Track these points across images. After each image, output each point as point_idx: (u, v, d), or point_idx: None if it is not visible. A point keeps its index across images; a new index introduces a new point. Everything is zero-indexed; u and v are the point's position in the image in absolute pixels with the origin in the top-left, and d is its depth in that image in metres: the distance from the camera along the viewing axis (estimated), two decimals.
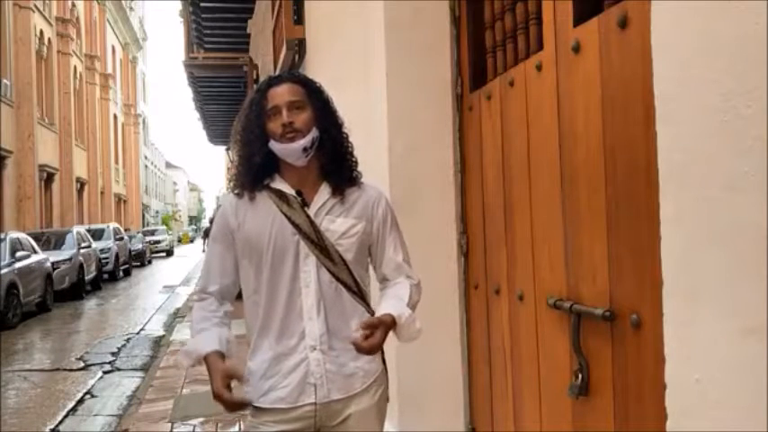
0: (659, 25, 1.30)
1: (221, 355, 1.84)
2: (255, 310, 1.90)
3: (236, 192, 1.96)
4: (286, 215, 1.86)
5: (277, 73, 8.03)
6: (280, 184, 1.91)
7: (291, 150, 1.85)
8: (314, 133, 1.87)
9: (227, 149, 22.71)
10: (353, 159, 1.96)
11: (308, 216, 1.87)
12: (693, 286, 1.23)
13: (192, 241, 54.55)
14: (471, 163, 2.90)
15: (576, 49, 1.99)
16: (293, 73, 1.98)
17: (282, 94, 1.88)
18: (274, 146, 1.86)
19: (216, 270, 1.95)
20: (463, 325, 2.99)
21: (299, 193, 1.89)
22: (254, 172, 1.90)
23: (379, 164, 3.00)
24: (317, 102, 1.91)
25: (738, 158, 1.11)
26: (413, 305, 1.90)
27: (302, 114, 1.86)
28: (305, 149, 1.85)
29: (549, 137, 2.18)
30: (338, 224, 1.88)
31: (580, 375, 1.97)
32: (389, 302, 1.87)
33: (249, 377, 1.90)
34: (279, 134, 1.85)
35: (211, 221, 17.07)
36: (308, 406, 1.84)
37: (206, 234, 17.59)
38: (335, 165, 1.90)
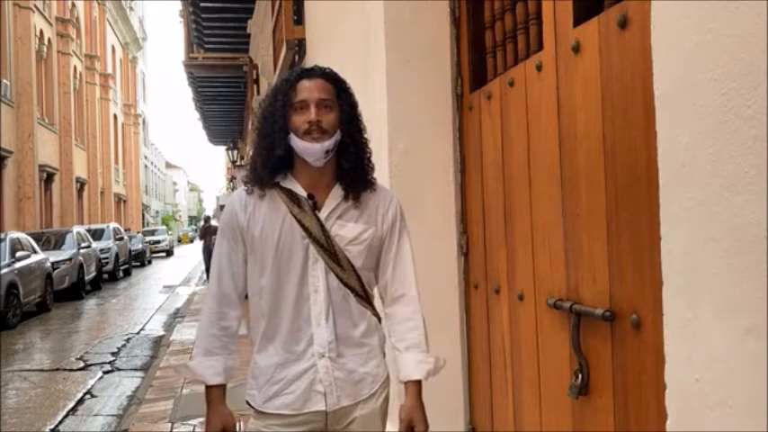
0: (659, 25, 1.30)
1: (224, 389, 1.88)
2: (260, 312, 1.88)
3: (246, 186, 1.91)
4: (296, 218, 1.82)
5: (278, 71, 8.03)
6: (291, 183, 1.86)
7: (313, 150, 1.79)
8: (337, 135, 1.82)
9: (228, 149, 22.71)
10: (371, 165, 1.92)
11: (318, 220, 1.83)
12: (693, 286, 1.23)
13: (191, 241, 54.55)
14: (471, 163, 2.90)
15: (576, 49, 1.99)
16: (326, 69, 1.90)
17: (312, 89, 1.81)
18: (295, 142, 1.80)
19: (226, 270, 1.90)
20: (463, 325, 2.99)
21: (310, 196, 1.84)
22: (271, 165, 1.84)
23: (380, 164, 2.99)
24: (346, 104, 1.86)
25: (738, 158, 1.11)
26: (425, 335, 1.91)
27: (330, 114, 1.81)
28: (327, 151, 1.80)
29: (548, 137, 2.18)
30: (348, 229, 1.85)
31: (580, 375, 1.97)
32: (411, 357, 1.88)
33: (254, 379, 1.90)
34: (303, 130, 1.79)
35: (206, 220, 16.74)
36: (315, 412, 1.83)
37: (201, 236, 17.31)
38: (354, 170, 1.86)
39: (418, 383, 1.86)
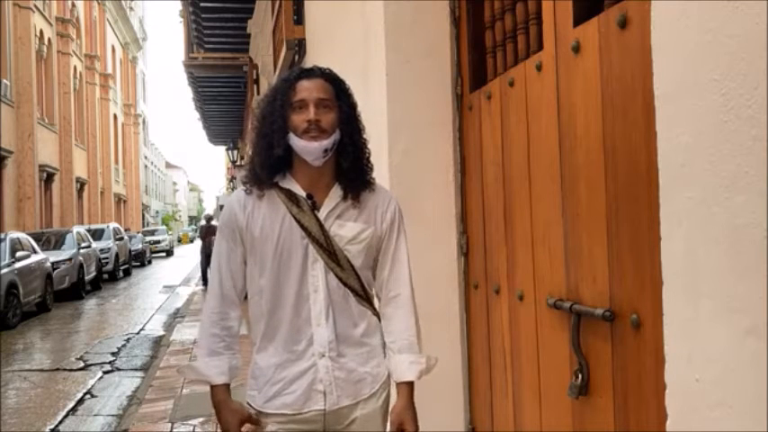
0: (659, 25, 1.30)
1: (228, 387, 1.89)
2: (259, 312, 1.88)
3: (245, 186, 1.91)
4: (295, 218, 1.83)
5: (278, 71, 8.03)
6: (290, 183, 1.87)
7: (312, 149, 1.79)
8: (336, 135, 1.82)
9: (228, 149, 22.71)
10: (370, 165, 1.93)
11: (317, 219, 1.83)
12: (693, 286, 1.23)
13: (191, 241, 54.57)
14: (471, 163, 2.90)
15: (576, 49, 1.99)
16: (325, 69, 1.92)
17: (312, 89, 1.82)
18: (294, 141, 1.81)
19: (226, 270, 1.91)
20: (463, 325, 2.99)
21: (309, 196, 1.85)
22: (270, 164, 1.84)
23: (379, 164, 2.99)
24: (345, 104, 1.87)
25: (738, 158, 1.11)
26: (418, 335, 1.92)
27: (329, 114, 1.82)
28: (326, 150, 1.80)
29: (548, 137, 2.18)
30: (347, 229, 1.85)
31: (580, 375, 1.97)
32: (403, 358, 1.88)
33: (254, 380, 1.90)
34: (301, 130, 1.79)
35: (208, 219, 16.41)
36: (315, 412, 1.83)
37: (203, 236, 17.10)
38: (353, 170, 1.86)
39: (410, 385, 1.87)
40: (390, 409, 1.91)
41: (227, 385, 1.89)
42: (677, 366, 1.28)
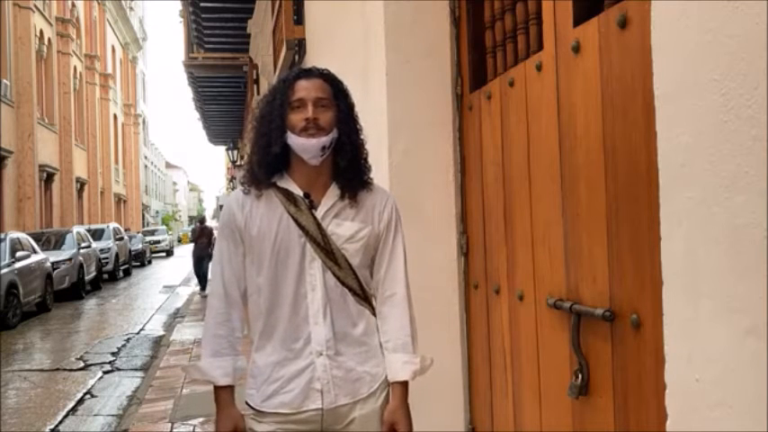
0: (659, 25, 1.30)
1: (232, 390, 1.89)
2: (258, 311, 1.89)
3: (243, 186, 1.92)
4: (293, 216, 1.83)
5: (278, 71, 8.03)
6: (287, 183, 1.88)
7: (310, 146, 1.80)
8: (334, 134, 1.83)
9: (228, 149, 22.70)
10: (368, 165, 1.94)
11: (315, 218, 1.84)
12: (693, 286, 1.23)
13: (191, 241, 54.64)
14: (471, 163, 2.90)
15: (576, 49, 1.99)
16: (323, 70, 1.93)
17: (310, 88, 1.83)
18: (292, 139, 1.82)
19: (228, 270, 1.91)
20: (463, 325, 2.99)
21: (306, 195, 1.86)
22: (268, 162, 1.85)
23: (379, 164, 3.00)
24: (342, 104, 1.88)
25: (738, 158, 1.11)
26: (414, 335, 1.91)
27: (327, 113, 1.83)
28: (323, 148, 1.81)
29: (548, 137, 2.18)
30: (345, 228, 1.86)
31: (580, 375, 1.97)
32: (397, 358, 1.88)
33: (252, 378, 1.91)
34: (299, 128, 1.80)
35: (201, 221, 16.05)
36: (313, 411, 1.83)
37: (196, 238, 16.80)
38: (350, 170, 1.87)
39: (404, 384, 1.87)
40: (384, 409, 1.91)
41: (232, 388, 1.89)
42: (677, 366, 1.28)
